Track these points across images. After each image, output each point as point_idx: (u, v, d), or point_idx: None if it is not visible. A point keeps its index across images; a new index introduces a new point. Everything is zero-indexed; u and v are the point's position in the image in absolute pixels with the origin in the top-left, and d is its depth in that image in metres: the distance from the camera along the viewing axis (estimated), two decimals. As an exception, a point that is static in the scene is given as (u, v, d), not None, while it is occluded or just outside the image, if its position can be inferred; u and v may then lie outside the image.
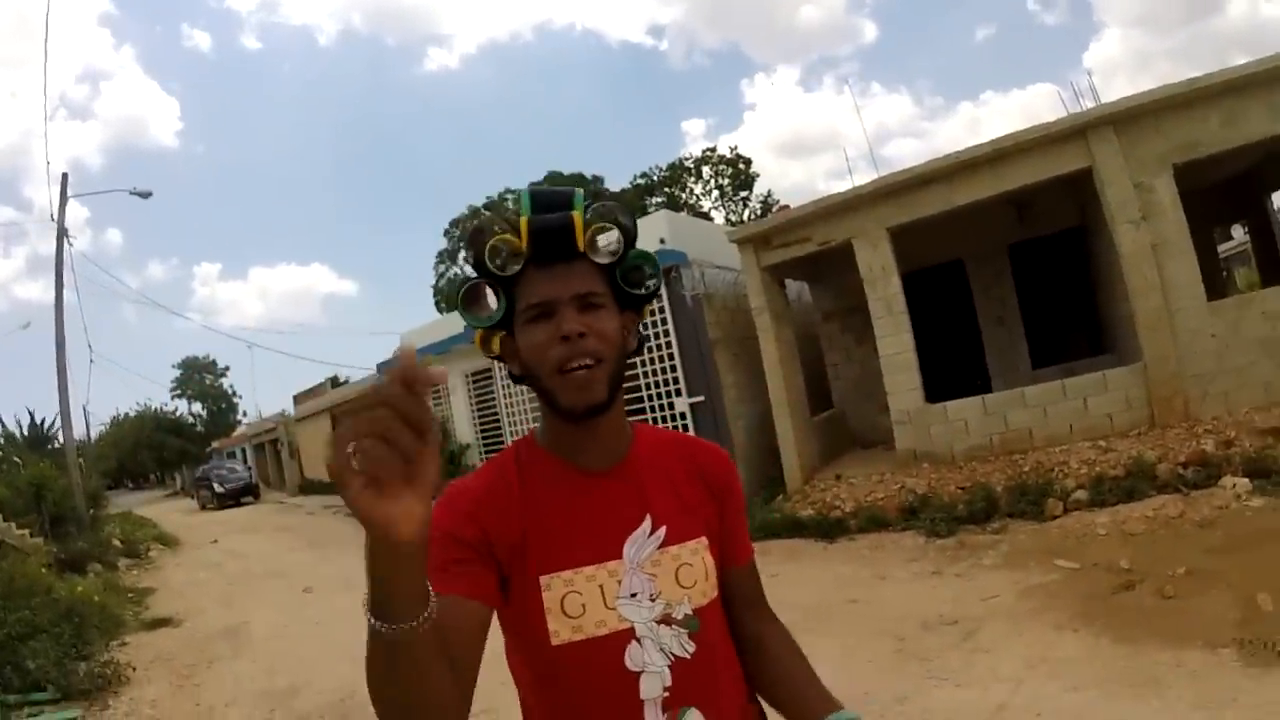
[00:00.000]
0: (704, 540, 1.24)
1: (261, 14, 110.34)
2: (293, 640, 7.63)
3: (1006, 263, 11.53)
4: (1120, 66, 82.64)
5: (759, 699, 1.32)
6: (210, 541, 18.41)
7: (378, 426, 0.72)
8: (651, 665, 1.14)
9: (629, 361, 1.25)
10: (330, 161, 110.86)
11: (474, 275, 1.19)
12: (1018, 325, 11.52)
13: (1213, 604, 4.49)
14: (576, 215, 1.16)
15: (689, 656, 1.16)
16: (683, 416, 11.13)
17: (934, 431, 9.05)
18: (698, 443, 1.37)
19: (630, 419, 1.30)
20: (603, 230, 1.17)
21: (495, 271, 1.15)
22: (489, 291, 1.19)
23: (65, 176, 19.31)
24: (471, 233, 1.19)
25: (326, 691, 5.82)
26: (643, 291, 1.23)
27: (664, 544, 1.19)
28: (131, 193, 20.55)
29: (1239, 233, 18.13)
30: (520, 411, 15.35)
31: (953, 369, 11.00)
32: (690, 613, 1.18)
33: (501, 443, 16.10)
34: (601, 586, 1.13)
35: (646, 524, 1.18)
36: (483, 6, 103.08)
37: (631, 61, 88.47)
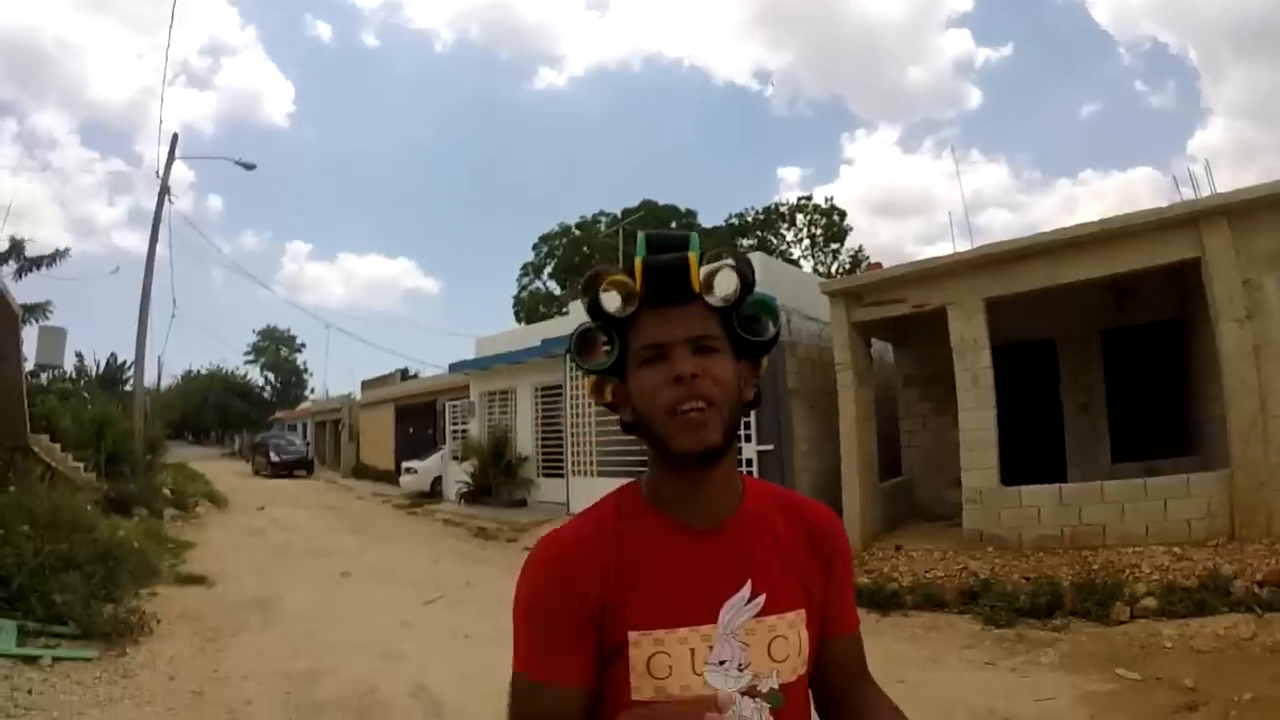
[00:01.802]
0: (803, 613, 1.16)
1: (383, 13, 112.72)
2: (322, 624, 7.60)
3: (1099, 349, 11.17)
4: (1224, 156, 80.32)
5: None
6: (257, 508, 18.70)
7: None
8: None
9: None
10: (431, 163, 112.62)
11: (588, 321, 1.17)
12: (1102, 415, 11.12)
13: (1275, 736, 4.20)
14: (692, 256, 1.13)
15: None
16: (749, 463, 10.96)
17: (1004, 515, 8.69)
18: (808, 503, 1.29)
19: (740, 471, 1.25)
20: (718, 272, 1.13)
21: (610, 314, 1.13)
22: (603, 337, 1.17)
23: (175, 137, 20.14)
24: (586, 278, 1.17)
25: (347, 684, 5.75)
26: (762, 339, 1.18)
27: (761, 613, 1.12)
28: (236, 163, 21.32)
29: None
30: (586, 432, 15.32)
31: (1029, 452, 10.59)
32: (776, 687, 1.11)
33: (562, 459, 16.10)
34: (692, 650, 1.08)
35: (746, 590, 1.12)
36: (597, 33, 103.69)
37: (735, 102, 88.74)
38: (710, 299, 1.12)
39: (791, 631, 1.14)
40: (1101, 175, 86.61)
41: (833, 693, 1.24)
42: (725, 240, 39.18)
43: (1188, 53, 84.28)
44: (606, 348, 1.16)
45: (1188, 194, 9.46)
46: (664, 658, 1.07)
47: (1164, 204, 8.14)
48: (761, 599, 1.12)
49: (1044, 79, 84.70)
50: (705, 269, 1.13)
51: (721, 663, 1.08)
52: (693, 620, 1.09)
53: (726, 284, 1.13)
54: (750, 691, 1.09)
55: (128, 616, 6.59)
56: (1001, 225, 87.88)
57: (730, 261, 1.14)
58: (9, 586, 6.42)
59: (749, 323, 1.16)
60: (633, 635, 1.07)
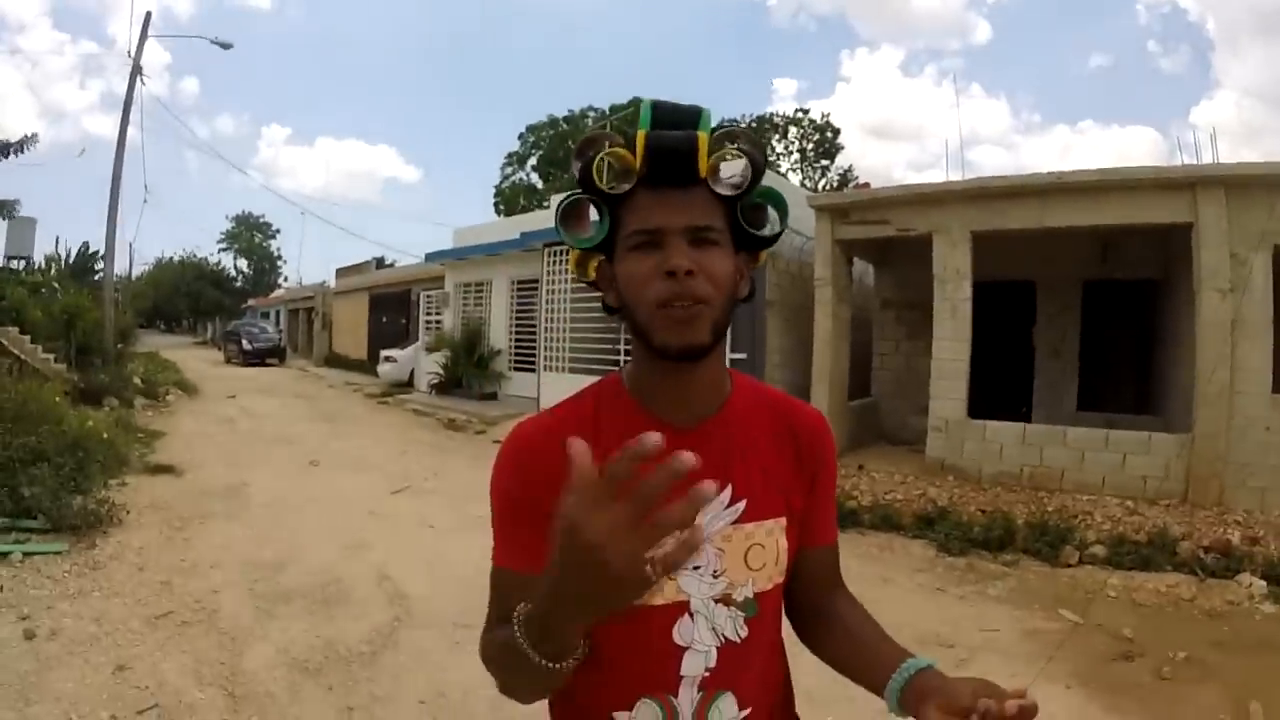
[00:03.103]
0: (783, 521, 1.13)
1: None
2: (289, 512, 7.67)
3: (1078, 297, 11.28)
4: (1228, 131, 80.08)
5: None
6: (228, 396, 18.66)
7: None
8: (699, 643, 1.07)
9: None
10: (417, 49, 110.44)
11: (578, 190, 1.08)
12: (1073, 362, 11.30)
13: (1206, 698, 4.32)
14: (702, 136, 1.02)
15: (739, 641, 1.08)
16: (720, 368, 11.02)
17: (968, 447, 8.88)
18: (799, 408, 1.24)
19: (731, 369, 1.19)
20: (729, 157, 1.04)
21: (602, 189, 1.04)
22: (592, 210, 1.08)
23: (148, 15, 19.57)
24: (581, 143, 1.07)
25: (312, 572, 5.82)
26: (764, 234, 1.10)
27: (740, 519, 1.09)
28: (213, 42, 20.73)
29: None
30: (560, 327, 15.30)
31: (998, 388, 10.74)
32: (751, 596, 1.10)
33: (534, 353, 16.15)
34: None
35: (726, 494, 1.07)
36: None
37: (736, 8, 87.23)
38: (716, 185, 1.04)
39: (769, 540, 1.11)
40: (1101, 127, 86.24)
41: (807, 602, 1.23)
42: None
43: (1206, 22, 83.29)
44: (595, 220, 1.09)
45: (1185, 160, 9.41)
46: None
47: (1157, 164, 8.12)
48: (742, 505, 1.09)
49: (1056, 23, 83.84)
50: (715, 154, 1.04)
51: (695, 568, 1.06)
52: None
53: (736, 170, 1.05)
54: (725, 599, 1.08)
55: (97, 508, 6.57)
56: (994, 163, 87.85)
57: (743, 145, 1.06)
58: None
59: (754, 213, 1.09)
60: None
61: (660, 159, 1.02)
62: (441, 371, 18.12)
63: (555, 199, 17.06)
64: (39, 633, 4.47)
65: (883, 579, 6.37)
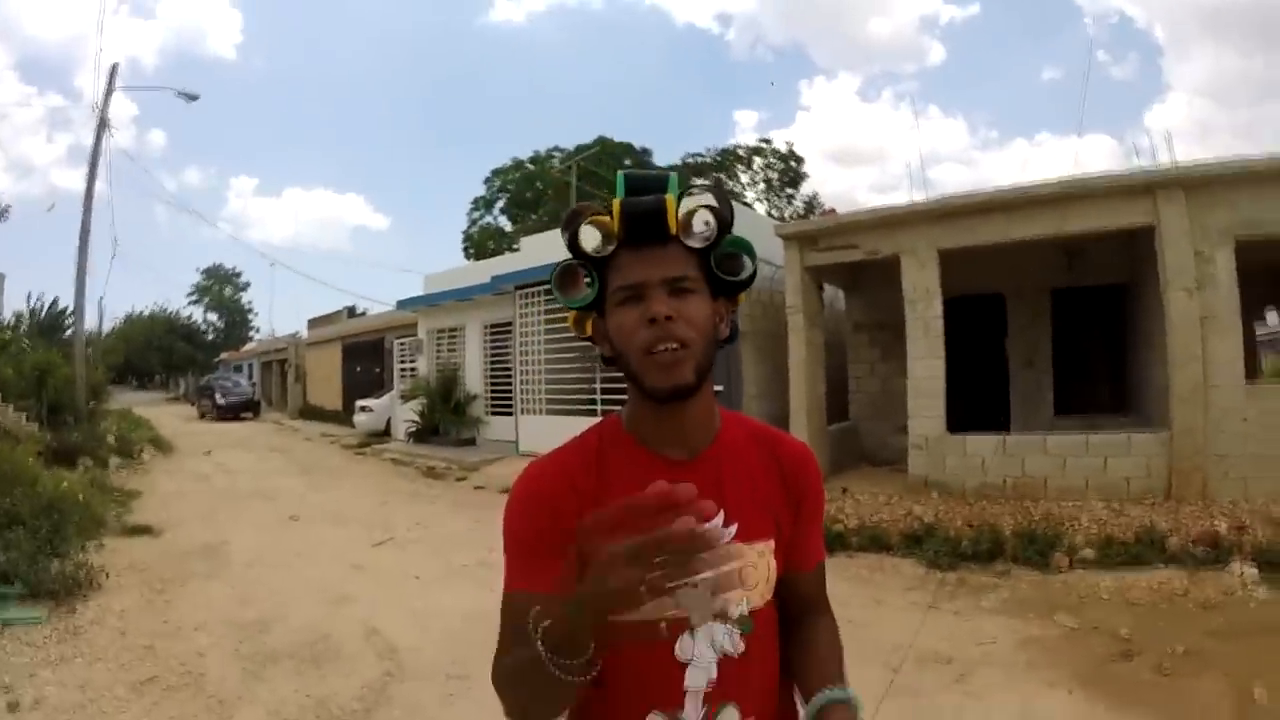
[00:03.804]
0: (771, 543, 1.23)
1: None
2: (270, 569, 7.54)
3: (1048, 306, 11.43)
4: (1181, 132, 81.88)
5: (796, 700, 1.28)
6: (203, 453, 18.46)
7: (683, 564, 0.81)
8: (700, 659, 1.15)
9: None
10: (382, 97, 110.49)
11: (569, 257, 1.20)
12: (1047, 370, 11.40)
13: (1208, 688, 4.35)
14: (669, 198, 1.14)
15: (736, 655, 1.17)
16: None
17: (949, 462, 8.91)
18: (784, 439, 1.34)
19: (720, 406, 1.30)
20: (695, 213, 1.16)
21: (588, 253, 1.16)
22: (582, 273, 1.20)
23: (115, 67, 19.39)
24: (568, 215, 1.20)
25: (299, 630, 5.71)
26: (737, 279, 1.21)
27: (737, 538, 1.18)
28: (178, 94, 20.63)
29: (1273, 318, 17.89)
30: (535, 369, 15.27)
31: (974, 402, 10.80)
32: (746, 613, 1.19)
33: (511, 397, 16.13)
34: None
35: (719, 519, 1.15)
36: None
37: (694, 45, 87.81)
38: (688, 240, 1.15)
39: (761, 561, 1.20)
40: (1058, 139, 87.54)
41: (787, 621, 1.30)
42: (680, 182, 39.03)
43: (1154, 29, 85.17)
44: (588, 281, 1.18)
45: (1142, 164, 9.60)
46: None
47: (1118, 171, 8.27)
48: (734, 528, 1.18)
49: (1008, 41, 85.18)
50: (683, 209, 1.15)
51: (694, 586, 1.06)
52: None
53: (703, 225, 1.16)
54: (722, 616, 1.16)
55: (75, 572, 6.42)
56: (955, 180, 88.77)
57: (708, 202, 1.17)
58: None
59: (726, 261, 1.19)
60: None
61: (634, 222, 1.13)
62: (418, 419, 18.01)
63: (525, 241, 17.22)
64: (22, 703, 4.35)
65: (875, 600, 6.35)
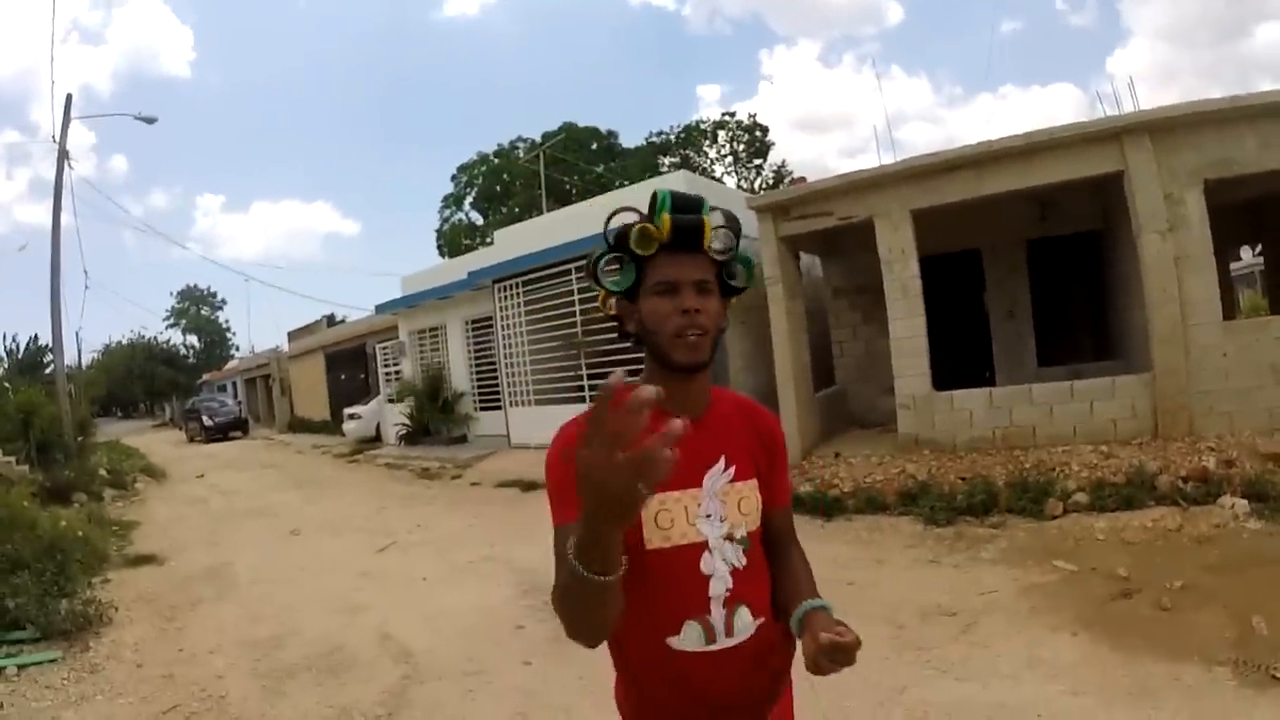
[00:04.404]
0: (755, 483, 1.57)
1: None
2: (278, 585, 7.56)
3: (1023, 258, 11.51)
4: (1144, 78, 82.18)
5: None
6: (196, 476, 18.40)
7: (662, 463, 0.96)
8: (718, 571, 1.47)
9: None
10: (341, 102, 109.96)
11: (610, 249, 1.51)
12: (1028, 321, 11.50)
13: (1208, 621, 4.45)
14: (706, 220, 1.49)
15: (741, 567, 1.50)
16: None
17: (938, 419, 8.99)
18: (757, 407, 1.71)
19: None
20: (719, 231, 1.52)
21: (636, 250, 1.47)
22: (615, 264, 1.51)
23: (69, 97, 19.15)
24: (615, 214, 1.54)
25: (314, 642, 5.75)
26: (739, 286, 1.58)
27: (732, 480, 1.52)
28: (136, 117, 20.38)
29: (1247, 254, 18.06)
30: (520, 361, 15.28)
31: (958, 358, 10.91)
32: (745, 534, 1.52)
33: (498, 391, 16.18)
34: (685, 507, 1.47)
35: (722, 462, 1.52)
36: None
37: (651, 22, 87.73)
38: (711, 253, 1.50)
39: (751, 494, 1.55)
40: (1022, 90, 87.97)
41: (768, 549, 1.61)
42: (647, 161, 38.98)
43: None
44: (617, 269, 1.50)
45: (1107, 111, 9.66)
46: (667, 513, 1.45)
47: (1084, 119, 8.32)
48: (732, 469, 1.53)
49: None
50: (712, 230, 1.50)
51: (707, 515, 1.48)
52: (684, 485, 1.46)
53: (725, 243, 1.52)
54: (729, 537, 1.50)
55: (85, 609, 6.39)
56: (924, 139, 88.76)
57: (728, 225, 1.53)
58: None
59: (733, 269, 1.56)
60: None
61: (680, 234, 1.46)
62: (408, 421, 18.00)
63: (499, 234, 17.17)
64: (47, 745, 4.39)
65: (876, 560, 6.46)
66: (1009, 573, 5.75)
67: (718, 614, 1.46)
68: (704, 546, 1.47)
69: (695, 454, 1.47)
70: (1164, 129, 7.93)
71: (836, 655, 1.29)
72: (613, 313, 1.58)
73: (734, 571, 1.48)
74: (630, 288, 1.51)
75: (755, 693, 1.53)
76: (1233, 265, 18.06)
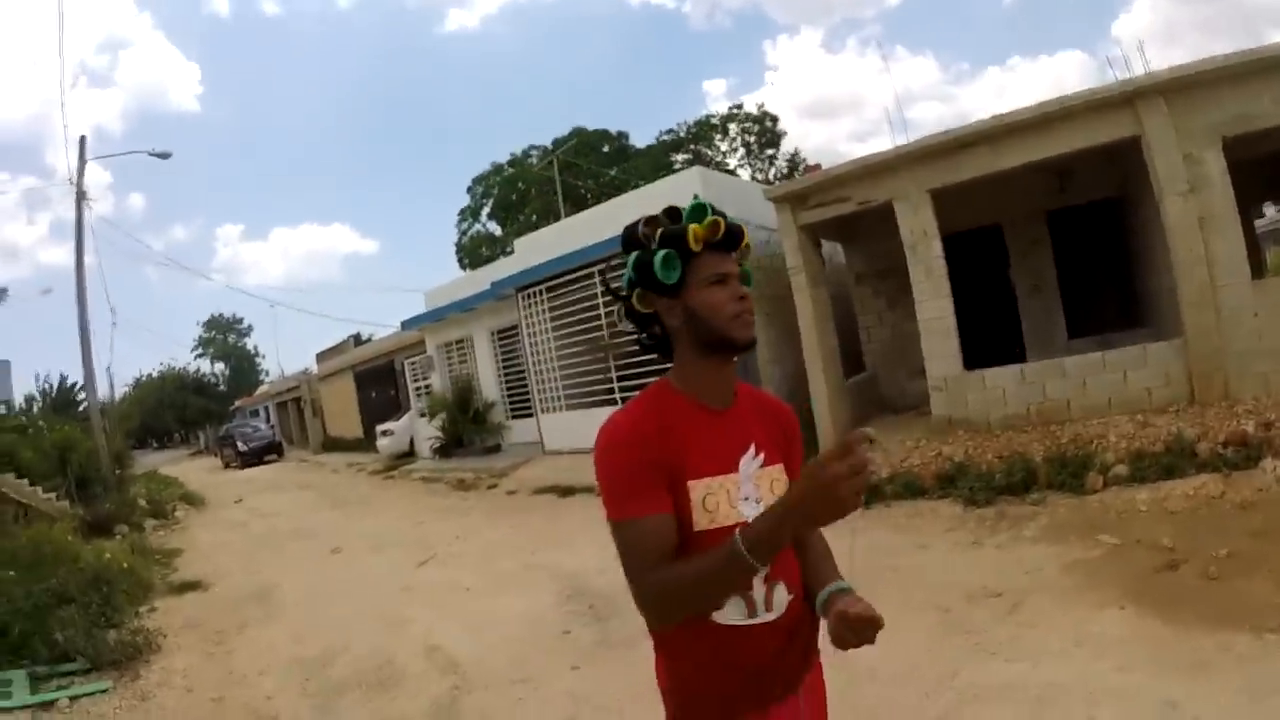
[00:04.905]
0: (782, 466, 1.69)
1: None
2: (322, 604, 7.63)
3: (1045, 230, 11.35)
4: (1151, 37, 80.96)
5: None
6: (235, 501, 18.58)
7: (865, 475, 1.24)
8: None
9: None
10: (352, 123, 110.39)
11: (661, 249, 1.61)
12: (1054, 294, 11.35)
13: (1257, 588, 4.38)
14: (744, 228, 1.69)
15: None
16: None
17: (970, 399, 8.91)
18: (771, 398, 1.87)
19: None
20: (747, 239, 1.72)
21: (692, 248, 1.60)
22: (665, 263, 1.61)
23: (83, 139, 19.36)
24: (665, 216, 1.68)
25: (362, 658, 5.79)
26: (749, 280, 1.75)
27: (764, 465, 1.64)
28: (150, 154, 20.74)
29: (1270, 211, 17.77)
30: (549, 368, 15.27)
31: (987, 336, 10.78)
32: None
33: (528, 399, 16.27)
34: (728, 491, 1.57)
35: (753, 449, 1.64)
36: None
37: (652, 21, 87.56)
38: (741, 253, 1.70)
39: (781, 476, 1.67)
40: (1030, 61, 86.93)
41: None
42: (659, 160, 38.95)
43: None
44: (670, 268, 1.60)
45: (1117, 75, 9.51)
46: (713, 497, 1.55)
47: (1095, 86, 8.21)
48: (763, 455, 1.65)
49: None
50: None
51: (745, 498, 1.59)
52: (724, 470, 1.58)
53: (748, 246, 1.72)
54: None
55: (133, 638, 6.50)
56: (935, 117, 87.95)
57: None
58: (9, 635, 6.30)
59: (746, 271, 1.73)
60: (691, 483, 1.54)
61: (728, 236, 1.65)
62: (441, 434, 18.05)
63: (518, 243, 17.20)
64: (106, 775, 4.44)
65: (919, 545, 6.42)
66: (1052, 550, 5.69)
67: (759, 589, 1.57)
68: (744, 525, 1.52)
69: (731, 440, 1.62)
70: (1177, 89, 7.80)
71: (855, 625, 1.44)
72: (649, 309, 1.68)
73: None
74: (675, 284, 1.62)
75: (791, 662, 1.65)
76: (1257, 223, 17.83)
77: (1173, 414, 7.58)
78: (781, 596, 1.61)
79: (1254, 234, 13.63)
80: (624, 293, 1.71)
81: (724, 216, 1.65)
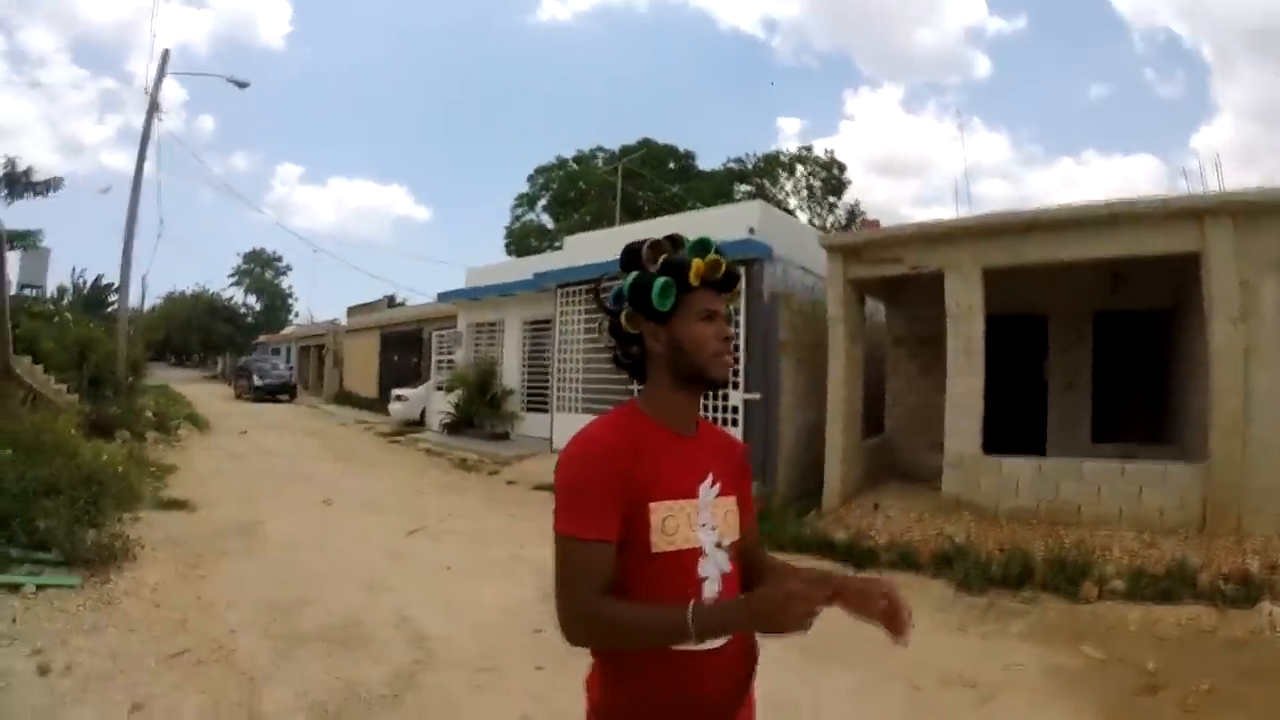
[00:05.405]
0: (735, 499, 1.78)
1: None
2: (304, 551, 7.65)
3: (1090, 329, 11.25)
4: (1228, 154, 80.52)
5: None
6: (239, 432, 18.70)
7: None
8: (711, 574, 1.66)
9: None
10: (429, 90, 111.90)
11: (661, 276, 1.66)
12: (1086, 394, 11.24)
13: (1232, 727, 4.27)
14: (740, 273, 1.82)
15: (729, 572, 1.70)
16: (735, 410, 11.03)
17: (984, 483, 8.80)
18: (728, 435, 1.98)
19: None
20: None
21: (691, 281, 1.66)
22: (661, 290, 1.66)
23: (166, 53, 19.67)
24: (671, 243, 1.74)
25: (330, 613, 5.79)
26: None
27: (719, 495, 1.71)
28: (229, 80, 20.89)
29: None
30: (573, 367, 15.26)
31: (1011, 422, 10.68)
32: (729, 543, 1.72)
33: (546, 394, 16.33)
34: (688, 515, 1.63)
35: (711, 477, 1.71)
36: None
37: (739, 49, 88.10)
38: (731, 295, 1.76)
39: (734, 508, 1.76)
40: (1103, 158, 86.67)
41: (748, 555, 1.84)
42: (722, 186, 39.05)
43: (1201, 48, 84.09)
44: (664, 298, 1.64)
45: (1189, 187, 9.43)
46: (673, 519, 1.60)
47: (1163, 193, 8.13)
48: (719, 485, 1.72)
49: (1054, 56, 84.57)
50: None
51: (704, 524, 1.66)
52: (685, 495, 1.64)
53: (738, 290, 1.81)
54: (719, 545, 1.68)
55: (111, 542, 6.51)
56: (999, 195, 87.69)
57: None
58: None
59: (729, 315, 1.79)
60: (653, 505, 1.58)
61: (727, 277, 1.72)
62: (454, 410, 18.12)
63: (569, 241, 17.28)
64: (53, 668, 4.44)
65: (902, 619, 6.32)
66: (1036, 651, 5.60)
67: None
68: (700, 552, 1.64)
69: (693, 467, 1.69)
70: (1247, 213, 7.70)
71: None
72: (636, 330, 1.71)
73: (723, 576, 1.68)
74: (664, 312, 1.67)
75: (732, 690, 1.69)
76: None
77: (1181, 539, 7.45)
78: None
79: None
80: (613, 308, 1.74)
81: (724, 256, 1.71)
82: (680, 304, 1.67)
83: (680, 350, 1.67)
